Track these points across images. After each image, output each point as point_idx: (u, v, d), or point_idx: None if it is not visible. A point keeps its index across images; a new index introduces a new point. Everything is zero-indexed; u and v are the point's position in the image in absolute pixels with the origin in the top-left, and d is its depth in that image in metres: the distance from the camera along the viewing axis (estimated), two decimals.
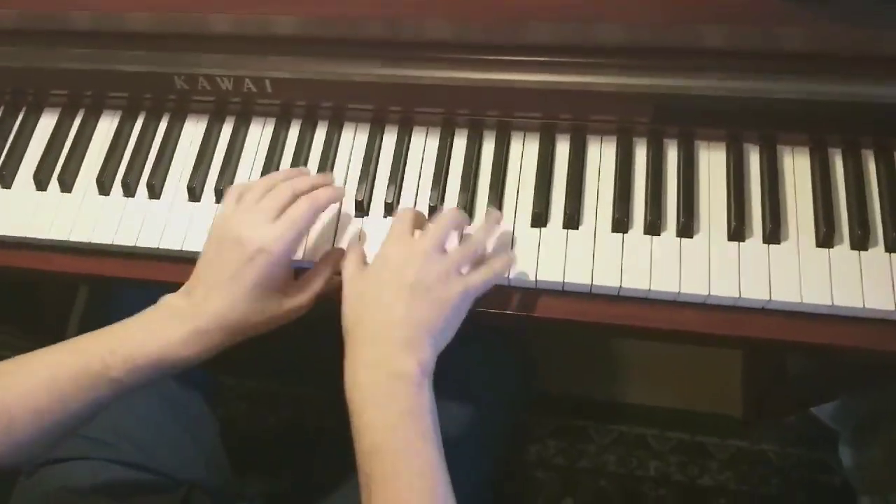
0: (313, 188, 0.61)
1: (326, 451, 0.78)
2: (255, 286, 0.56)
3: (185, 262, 0.67)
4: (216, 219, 0.60)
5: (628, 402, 1.22)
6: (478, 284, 0.57)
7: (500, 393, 0.77)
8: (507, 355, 0.80)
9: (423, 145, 0.69)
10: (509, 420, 0.79)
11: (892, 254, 0.61)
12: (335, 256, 0.62)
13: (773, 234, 0.61)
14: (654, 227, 0.63)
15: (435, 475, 0.50)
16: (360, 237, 0.65)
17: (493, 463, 0.75)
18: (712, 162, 0.65)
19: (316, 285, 0.60)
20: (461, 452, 0.67)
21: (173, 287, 0.67)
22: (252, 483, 0.98)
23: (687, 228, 0.62)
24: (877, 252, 0.61)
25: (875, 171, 0.64)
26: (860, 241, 0.61)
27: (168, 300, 0.58)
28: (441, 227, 0.58)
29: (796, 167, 0.64)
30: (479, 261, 0.59)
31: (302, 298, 0.59)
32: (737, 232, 0.62)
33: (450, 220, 0.59)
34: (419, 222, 0.60)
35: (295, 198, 0.60)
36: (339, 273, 0.60)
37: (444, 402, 0.69)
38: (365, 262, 0.60)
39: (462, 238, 0.62)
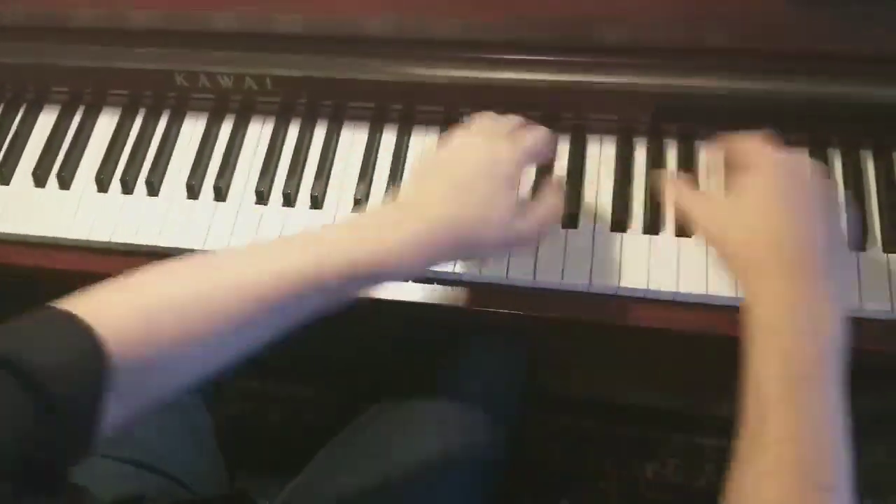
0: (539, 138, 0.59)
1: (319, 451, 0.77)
2: (490, 196, 0.52)
3: None
4: (437, 143, 0.57)
5: (627, 403, 1.22)
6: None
7: (498, 395, 0.76)
8: (505, 356, 0.80)
9: (424, 143, 0.69)
10: (509, 420, 0.79)
11: (889, 254, 0.61)
12: (558, 187, 0.59)
13: None
14: (652, 226, 0.63)
15: (843, 421, 0.45)
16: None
17: (492, 466, 0.74)
18: (711, 161, 0.65)
19: (542, 213, 0.55)
20: (458, 458, 0.67)
21: None
22: (250, 483, 0.97)
23: (685, 228, 0.62)
24: (874, 252, 0.61)
25: (874, 170, 0.64)
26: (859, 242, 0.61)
27: (385, 205, 0.54)
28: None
29: None
30: None
31: (530, 223, 0.54)
32: None
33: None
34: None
35: (521, 127, 0.58)
36: None
37: (439, 404, 0.70)
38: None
39: None
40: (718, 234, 0.53)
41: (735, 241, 0.52)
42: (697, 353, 1.19)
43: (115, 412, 0.43)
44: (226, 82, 0.69)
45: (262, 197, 0.68)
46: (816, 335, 0.47)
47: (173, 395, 0.49)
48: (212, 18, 0.67)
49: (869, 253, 0.61)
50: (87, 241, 0.68)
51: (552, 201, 0.56)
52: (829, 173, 0.54)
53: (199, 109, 0.73)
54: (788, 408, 0.45)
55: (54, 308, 0.43)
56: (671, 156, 0.66)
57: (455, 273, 0.63)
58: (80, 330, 0.42)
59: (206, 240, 0.66)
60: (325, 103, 0.70)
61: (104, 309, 0.44)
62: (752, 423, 0.47)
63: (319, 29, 0.66)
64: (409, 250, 0.50)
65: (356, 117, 0.71)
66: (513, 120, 0.58)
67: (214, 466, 0.78)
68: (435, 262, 0.52)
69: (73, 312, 0.43)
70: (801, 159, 0.53)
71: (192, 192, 0.69)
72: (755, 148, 0.54)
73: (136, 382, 0.44)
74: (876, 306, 0.59)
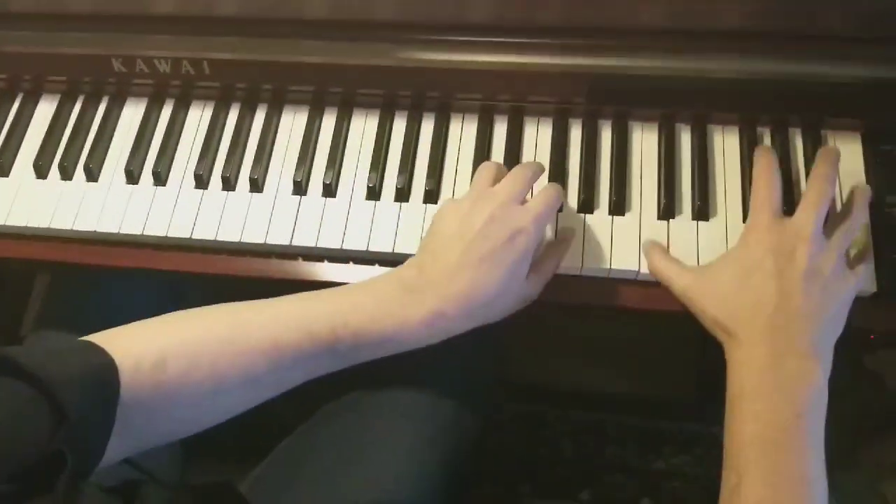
0: (536, 173, 0.60)
1: (284, 440, 0.76)
2: (509, 269, 0.53)
3: (122, 245, 0.67)
4: (449, 203, 0.57)
5: (584, 389, 1.23)
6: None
7: (471, 381, 0.75)
8: (478, 342, 0.78)
9: (363, 127, 0.69)
10: (479, 407, 0.77)
11: None
12: (564, 244, 0.61)
13: (702, 211, 0.62)
14: (587, 205, 0.64)
15: (818, 486, 0.48)
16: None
17: (462, 454, 0.73)
18: (645, 141, 0.66)
19: (546, 275, 0.58)
20: (428, 445, 0.67)
21: (111, 271, 0.67)
22: (205, 470, 0.97)
23: (619, 206, 0.63)
24: None
25: (802, 148, 0.65)
26: None
27: (400, 275, 0.54)
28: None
29: (726, 146, 0.65)
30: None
31: (535, 286, 0.57)
32: (667, 210, 0.63)
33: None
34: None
35: (535, 178, 0.59)
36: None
37: (410, 392, 0.68)
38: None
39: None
40: (697, 306, 0.55)
41: (712, 311, 0.54)
42: (642, 333, 1.21)
43: (112, 444, 0.45)
44: (163, 67, 0.68)
45: (201, 181, 0.67)
46: (792, 396, 0.49)
47: (167, 439, 0.53)
48: (147, 1, 0.66)
49: None
50: (26, 227, 0.67)
51: (553, 258, 0.59)
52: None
53: (138, 95, 0.72)
54: (764, 472, 0.47)
55: (80, 340, 0.48)
56: (606, 137, 0.67)
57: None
58: (98, 356, 0.46)
59: (146, 225, 0.66)
60: (265, 87, 0.70)
61: (124, 343, 0.48)
62: (729, 483, 0.49)
63: (256, 11, 0.66)
64: (426, 327, 0.52)
65: (296, 101, 0.70)
66: (521, 180, 0.57)
67: (169, 451, 0.78)
68: (442, 338, 0.54)
69: (95, 343, 0.47)
70: (790, 231, 0.54)
71: (132, 177, 0.68)
72: (752, 212, 0.56)
73: (137, 418, 0.47)
74: None
